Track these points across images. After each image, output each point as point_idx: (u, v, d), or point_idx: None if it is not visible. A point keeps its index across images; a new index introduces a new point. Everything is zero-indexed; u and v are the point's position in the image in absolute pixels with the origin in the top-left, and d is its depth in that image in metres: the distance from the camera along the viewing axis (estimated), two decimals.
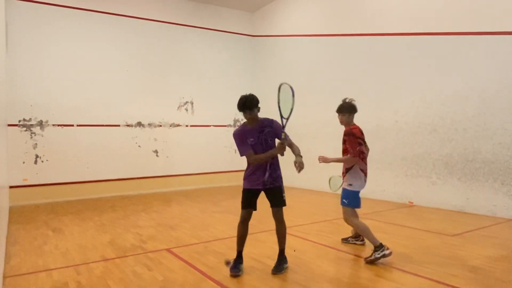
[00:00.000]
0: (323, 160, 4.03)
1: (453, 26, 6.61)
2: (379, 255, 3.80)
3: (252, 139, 3.61)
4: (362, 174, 4.10)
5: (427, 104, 7.01)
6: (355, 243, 4.58)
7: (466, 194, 6.42)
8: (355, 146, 3.99)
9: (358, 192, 4.10)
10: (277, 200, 3.68)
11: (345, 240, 4.69)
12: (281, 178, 3.75)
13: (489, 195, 6.12)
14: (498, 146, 6.00)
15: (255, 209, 3.71)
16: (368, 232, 3.97)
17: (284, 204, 3.71)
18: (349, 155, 4.04)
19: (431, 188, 6.96)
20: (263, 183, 3.62)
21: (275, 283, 3.41)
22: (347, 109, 4.15)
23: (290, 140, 3.60)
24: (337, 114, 4.23)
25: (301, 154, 3.51)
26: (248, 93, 3.76)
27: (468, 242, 4.63)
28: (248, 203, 3.67)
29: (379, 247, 3.84)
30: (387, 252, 3.81)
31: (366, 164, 4.14)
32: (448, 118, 6.68)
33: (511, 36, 5.85)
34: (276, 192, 3.68)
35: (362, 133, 4.12)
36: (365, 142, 4.17)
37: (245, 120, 3.73)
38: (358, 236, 4.59)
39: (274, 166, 3.70)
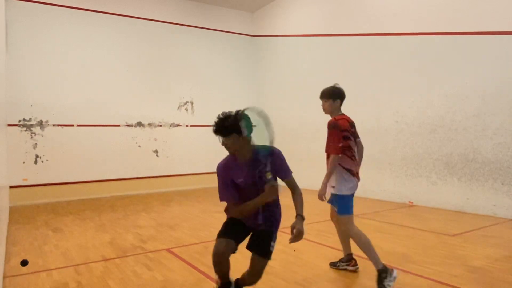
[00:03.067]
0: (321, 196, 3.36)
1: (453, 26, 6.60)
2: (390, 284, 3.07)
3: (240, 179, 2.66)
4: (349, 174, 3.37)
5: (427, 104, 7.01)
6: (346, 269, 3.66)
7: (466, 194, 6.42)
8: (337, 141, 3.31)
9: (348, 196, 3.37)
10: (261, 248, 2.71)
11: (333, 265, 3.76)
12: (278, 222, 2.83)
13: (489, 195, 6.11)
14: (498, 146, 6.00)
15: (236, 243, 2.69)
16: (370, 248, 3.24)
17: (269, 257, 2.70)
18: (330, 156, 3.34)
19: (431, 188, 6.96)
20: (255, 225, 2.76)
21: (275, 283, 3.41)
22: (329, 94, 3.51)
23: (291, 181, 2.73)
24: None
25: (303, 206, 2.67)
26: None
27: (468, 242, 4.63)
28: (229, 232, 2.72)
29: (384, 271, 3.12)
30: (394, 276, 3.12)
31: (354, 161, 3.41)
32: (448, 118, 6.68)
33: (511, 36, 5.85)
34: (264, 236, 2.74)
35: (351, 126, 3.48)
36: (355, 137, 3.53)
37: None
38: (351, 259, 3.68)
39: (271, 207, 2.76)
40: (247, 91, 11.62)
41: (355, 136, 3.56)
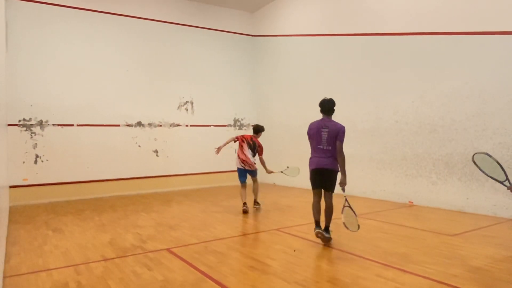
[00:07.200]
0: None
1: (453, 26, 6.60)
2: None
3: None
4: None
5: (427, 104, 7.01)
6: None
7: (466, 194, 6.42)
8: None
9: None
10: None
11: None
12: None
13: (489, 195, 6.11)
14: (498, 146, 6.00)
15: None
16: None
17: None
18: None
19: (431, 188, 6.96)
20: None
21: (275, 282, 3.41)
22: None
23: None
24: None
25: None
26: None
27: (468, 242, 4.63)
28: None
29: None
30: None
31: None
32: (448, 118, 6.68)
33: (511, 36, 5.85)
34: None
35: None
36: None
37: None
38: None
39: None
40: (247, 91, 11.62)
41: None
